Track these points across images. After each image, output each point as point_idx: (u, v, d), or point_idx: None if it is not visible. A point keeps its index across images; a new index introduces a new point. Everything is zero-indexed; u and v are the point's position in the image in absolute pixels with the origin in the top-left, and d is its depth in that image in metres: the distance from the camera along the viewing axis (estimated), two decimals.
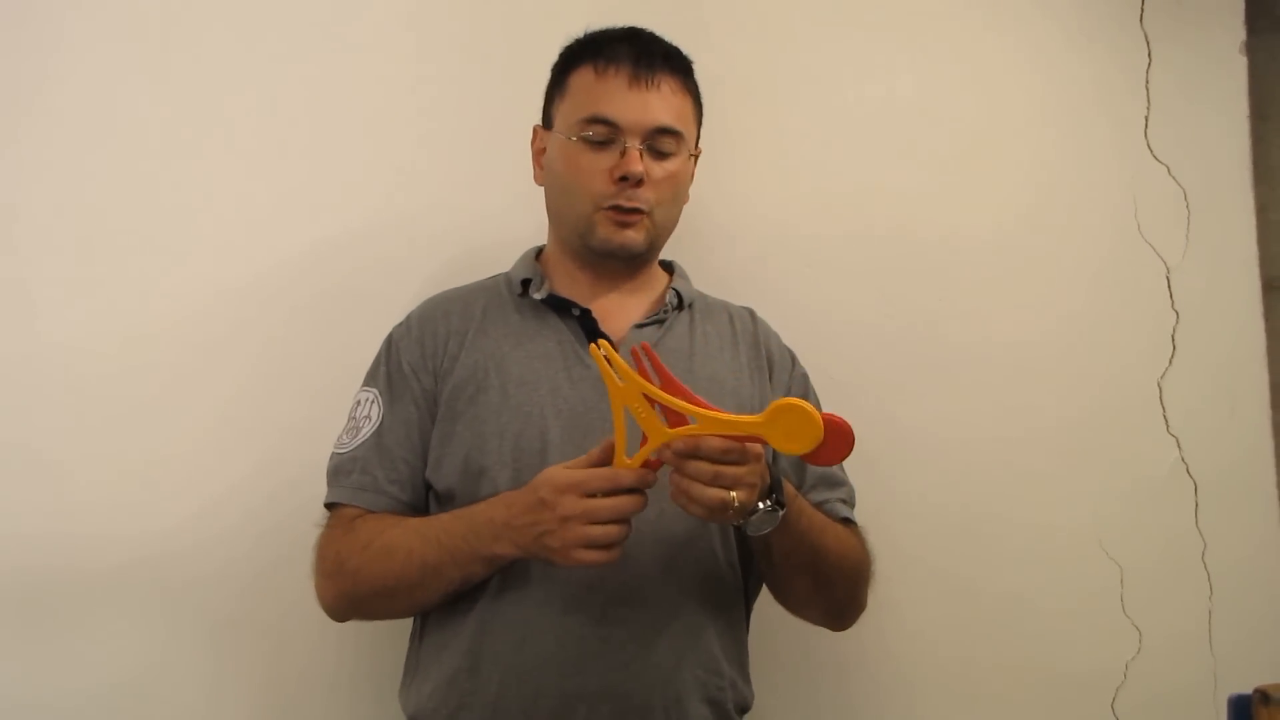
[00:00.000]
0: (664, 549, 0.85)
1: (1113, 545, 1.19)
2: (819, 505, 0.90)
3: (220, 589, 1.05)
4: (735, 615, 0.91)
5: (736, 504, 0.74)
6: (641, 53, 0.90)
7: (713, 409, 0.74)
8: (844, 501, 0.93)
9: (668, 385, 0.76)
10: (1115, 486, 1.20)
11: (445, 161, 1.13)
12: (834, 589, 0.88)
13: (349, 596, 0.87)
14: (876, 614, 0.95)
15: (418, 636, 0.91)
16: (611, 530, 0.76)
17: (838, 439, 0.71)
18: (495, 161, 1.09)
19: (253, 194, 1.09)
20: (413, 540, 0.84)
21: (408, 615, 0.90)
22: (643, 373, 0.76)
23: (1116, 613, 1.18)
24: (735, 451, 0.74)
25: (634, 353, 0.78)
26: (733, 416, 0.74)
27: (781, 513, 0.79)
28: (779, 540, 0.81)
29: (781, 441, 0.72)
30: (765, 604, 0.97)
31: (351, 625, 0.91)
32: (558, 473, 0.77)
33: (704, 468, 0.73)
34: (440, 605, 0.88)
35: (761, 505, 0.78)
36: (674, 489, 0.74)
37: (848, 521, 0.93)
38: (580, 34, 0.95)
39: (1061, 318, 1.21)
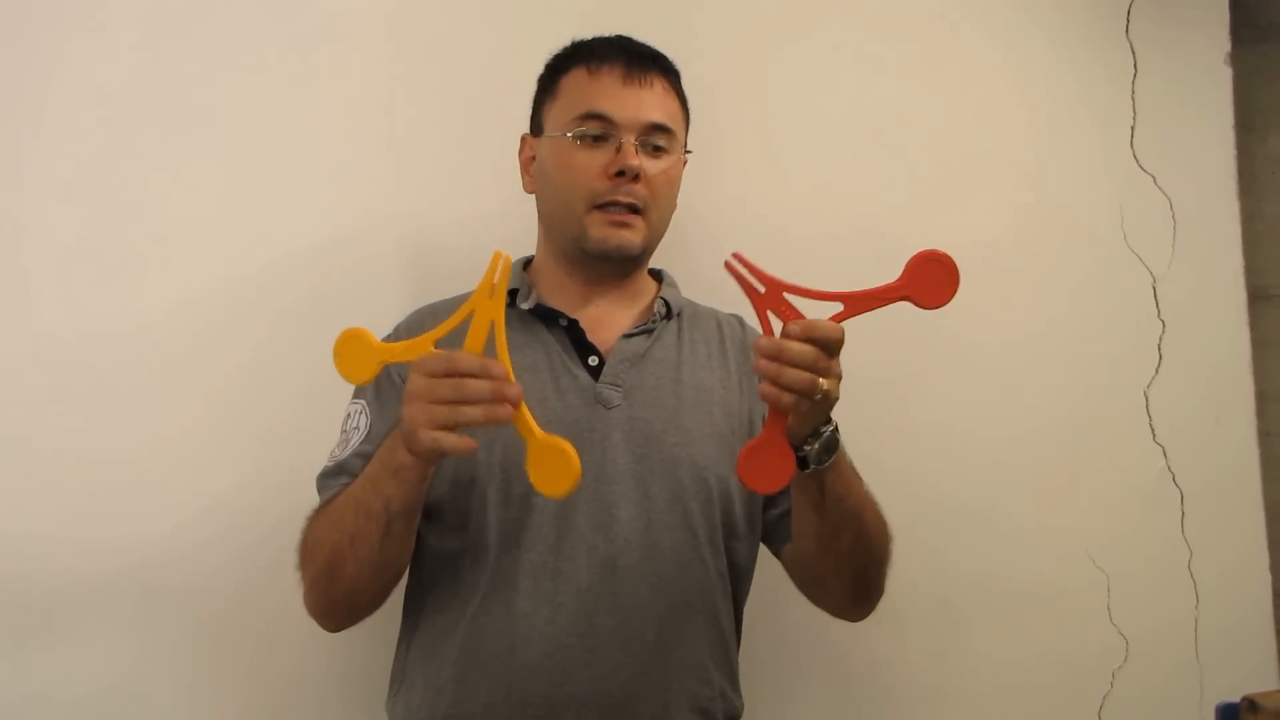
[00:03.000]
0: (652, 557, 0.85)
1: (1099, 554, 1.19)
2: None
3: (206, 595, 1.04)
4: (725, 624, 0.90)
5: (823, 390, 0.72)
6: (633, 53, 0.91)
7: (842, 292, 0.75)
8: None
9: (777, 285, 0.75)
10: (1102, 495, 1.19)
11: (429, 169, 1.12)
12: (870, 551, 0.86)
13: (317, 581, 0.83)
14: (865, 623, 0.94)
15: (405, 645, 0.91)
16: (442, 411, 0.70)
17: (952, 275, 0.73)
18: (480, 169, 1.09)
19: (237, 199, 1.08)
20: (349, 489, 0.81)
21: (364, 584, 0.82)
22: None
23: (1103, 621, 1.18)
24: (838, 341, 0.72)
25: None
26: (874, 289, 0.74)
27: (839, 438, 0.78)
28: (833, 480, 0.79)
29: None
30: (755, 612, 0.96)
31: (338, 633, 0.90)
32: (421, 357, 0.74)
33: (807, 350, 0.71)
34: (429, 615, 0.87)
35: (828, 427, 0.76)
36: (765, 377, 0.72)
37: None
38: (567, 43, 0.95)
39: (1048, 326, 1.21)
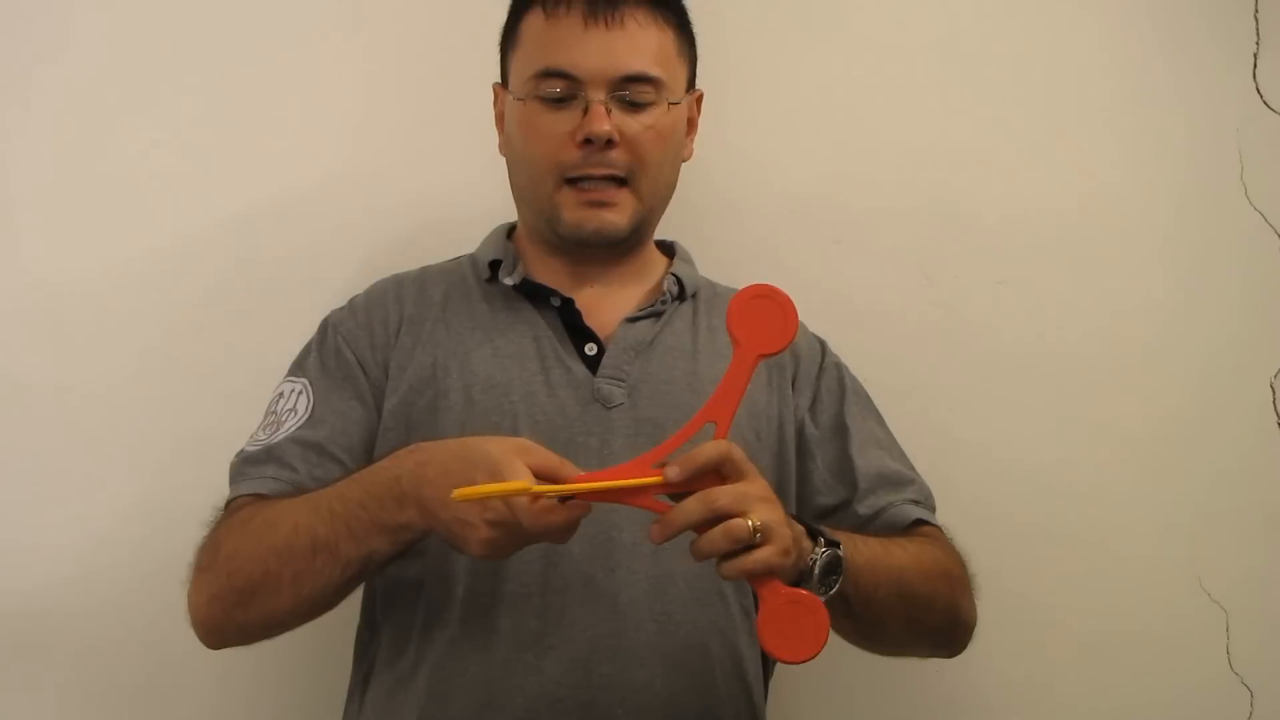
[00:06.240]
0: (662, 592, 0.78)
1: (1215, 585, 1.08)
2: (881, 511, 0.83)
3: (103, 641, 0.98)
4: (750, 674, 0.82)
5: (756, 528, 0.63)
6: None
7: (702, 409, 0.68)
8: (914, 502, 0.86)
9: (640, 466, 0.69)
10: (1218, 512, 1.08)
11: (395, 121, 1.05)
12: (933, 613, 0.80)
13: (222, 596, 0.75)
14: (932, 663, 0.88)
15: (356, 700, 0.82)
16: (518, 543, 0.68)
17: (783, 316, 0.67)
18: (456, 121, 1.01)
19: (161, 155, 1.02)
20: (300, 512, 0.74)
21: (291, 619, 0.77)
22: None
23: (1222, 667, 1.07)
24: (714, 462, 0.64)
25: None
26: (722, 380, 0.67)
27: (840, 550, 0.70)
28: (853, 586, 0.72)
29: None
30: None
31: (274, 680, 0.84)
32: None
33: (693, 507, 0.63)
34: (385, 661, 0.80)
35: (814, 554, 0.69)
36: (700, 559, 0.66)
37: (920, 524, 0.84)
38: None
39: (1148, 305, 1.10)
